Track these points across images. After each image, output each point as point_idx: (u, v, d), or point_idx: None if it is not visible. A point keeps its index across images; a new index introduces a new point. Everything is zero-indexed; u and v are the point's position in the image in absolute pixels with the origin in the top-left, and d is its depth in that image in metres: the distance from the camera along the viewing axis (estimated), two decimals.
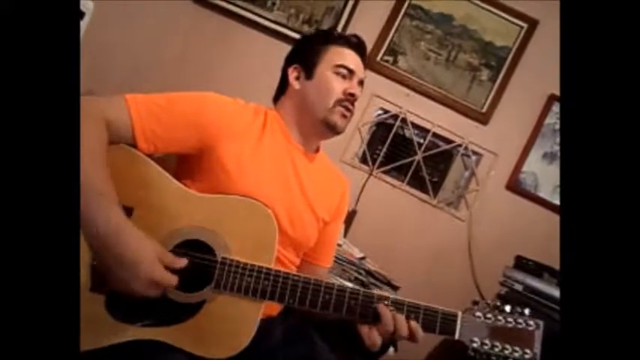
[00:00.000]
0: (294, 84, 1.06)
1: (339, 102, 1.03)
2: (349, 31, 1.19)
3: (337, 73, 1.03)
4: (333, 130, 1.04)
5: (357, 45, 1.08)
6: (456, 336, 0.85)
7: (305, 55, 1.07)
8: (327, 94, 1.02)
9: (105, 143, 0.84)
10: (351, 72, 1.04)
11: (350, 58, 1.06)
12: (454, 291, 1.88)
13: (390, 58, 1.99)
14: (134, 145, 0.89)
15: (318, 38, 1.08)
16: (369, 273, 1.49)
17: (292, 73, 1.07)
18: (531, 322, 0.85)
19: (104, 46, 1.88)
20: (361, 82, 1.08)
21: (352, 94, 1.04)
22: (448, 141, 2.02)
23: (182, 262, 0.82)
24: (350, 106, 1.04)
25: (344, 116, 1.04)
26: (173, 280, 0.80)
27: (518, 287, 1.57)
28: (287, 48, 1.14)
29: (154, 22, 1.95)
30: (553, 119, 2.02)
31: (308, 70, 1.05)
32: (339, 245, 1.51)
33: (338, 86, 1.03)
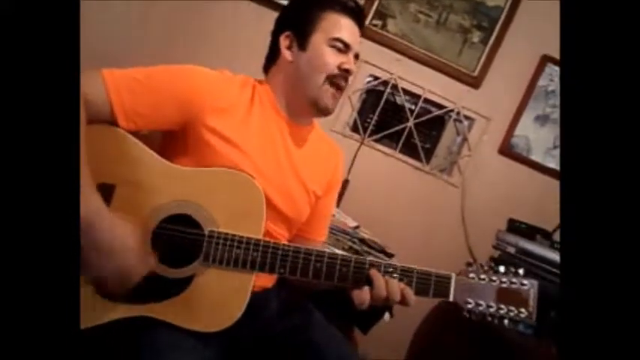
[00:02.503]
0: (286, 54, 0.99)
1: (330, 78, 0.97)
2: None
3: (333, 47, 0.97)
4: (323, 112, 0.99)
5: (354, 11, 1.00)
6: (450, 298, 0.85)
7: (298, 21, 0.99)
8: (320, 68, 0.96)
9: (82, 122, 0.81)
10: (347, 46, 0.98)
11: (347, 29, 0.98)
12: (448, 256, 1.89)
13: (379, 22, 1.93)
14: (114, 123, 0.85)
15: (313, 2, 1.00)
16: (362, 241, 1.48)
17: (284, 42, 1.00)
18: (526, 282, 0.85)
19: (86, 16, 1.80)
20: (356, 56, 1.02)
21: (347, 70, 0.97)
22: (440, 106, 1.99)
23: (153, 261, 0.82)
24: (342, 83, 0.98)
25: (334, 97, 0.98)
26: (147, 266, 0.79)
27: (511, 250, 1.58)
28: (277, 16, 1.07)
29: None
30: (546, 81, 1.98)
31: (301, 39, 0.98)
32: (332, 215, 1.50)
33: (332, 61, 0.96)
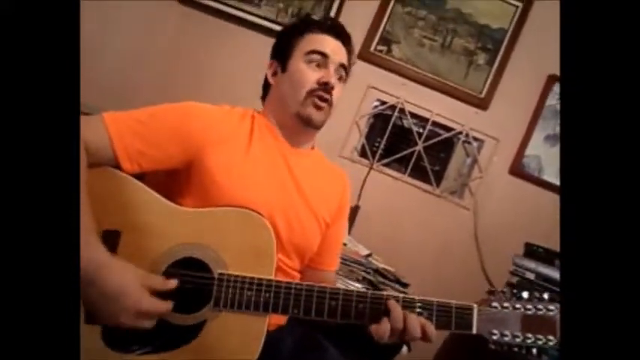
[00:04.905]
0: (271, 80, 1.02)
1: (311, 93, 0.95)
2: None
3: (310, 62, 0.97)
4: (308, 124, 0.97)
5: (331, 27, 1.01)
6: (474, 330, 0.80)
7: (281, 48, 1.02)
8: (299, 85, 0.96)
9: (84, 167, 0.79)
10: (325, 56, 0.97)
11: (323, 42, 0.99)
12: (463, 281, 1.84)
13: (384, 48, 1.94)
14: (117, 167, 0.84)
15: (294, 29, 1.03)
16: (377, 272, 1.45)
17: (269, 70, 1.03)
18: (552, 307, 0.80)
19: (88, 49, 1.82)
20: (342, 66, 1.00)
21: (326, 83, 0.95)
22: (448, 129, 1.97)
23: (172, 284, 0.78)
24: (325, 96, 0.96)
25: (318, 107, 0.96)
26: (164, 306, 0.77)
27: (530, 276, 1.53)
28: None
29: (140, 25, 1.90)
30: (554, 100, 1.97)
31: (283, 64, 1.00)
32: (344, 244, 1.47)
33: (311, 76, 0.96)
